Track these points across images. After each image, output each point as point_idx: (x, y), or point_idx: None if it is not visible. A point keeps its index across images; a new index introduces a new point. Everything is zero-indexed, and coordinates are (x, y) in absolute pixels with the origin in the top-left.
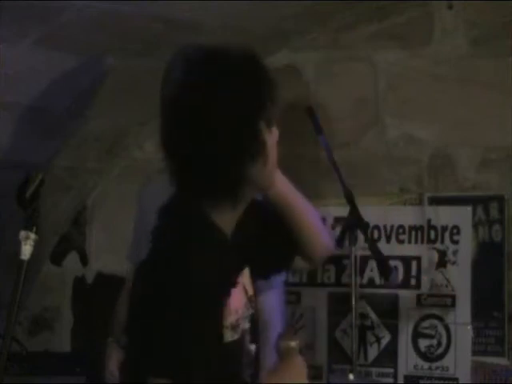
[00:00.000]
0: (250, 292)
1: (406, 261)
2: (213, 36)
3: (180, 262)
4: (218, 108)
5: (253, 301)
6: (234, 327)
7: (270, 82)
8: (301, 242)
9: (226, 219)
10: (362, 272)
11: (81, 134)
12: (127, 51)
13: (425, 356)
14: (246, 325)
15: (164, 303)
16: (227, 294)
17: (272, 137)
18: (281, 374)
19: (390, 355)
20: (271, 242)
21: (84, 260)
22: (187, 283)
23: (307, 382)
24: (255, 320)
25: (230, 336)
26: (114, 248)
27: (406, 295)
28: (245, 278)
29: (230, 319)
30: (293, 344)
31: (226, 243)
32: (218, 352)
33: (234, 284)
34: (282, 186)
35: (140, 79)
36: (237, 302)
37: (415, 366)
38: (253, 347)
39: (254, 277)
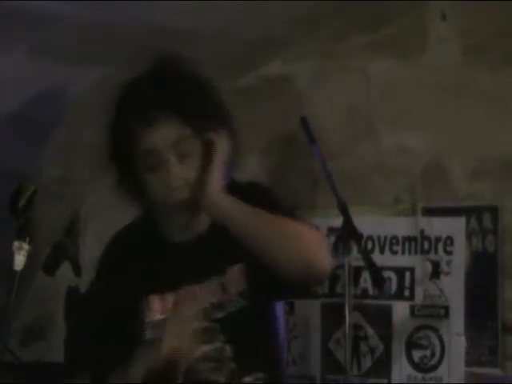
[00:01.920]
0: (205, 305)
1: (400, 271)
2: (206, 44)
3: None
4: None
5: (207, 315)
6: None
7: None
8: (275, 265)
9: (176, 232)
10: (356, 283)
11: (73, 144)
12: (119, 60)
13: (418, 367)
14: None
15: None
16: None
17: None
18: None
19: (383, 366)
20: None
21: (77, 270)
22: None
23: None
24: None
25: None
26: None
27: (400, 306)
28: (207, 288)
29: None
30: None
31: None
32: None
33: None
34: (227, 208)
35: None
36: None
37: (409, 377)
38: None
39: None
